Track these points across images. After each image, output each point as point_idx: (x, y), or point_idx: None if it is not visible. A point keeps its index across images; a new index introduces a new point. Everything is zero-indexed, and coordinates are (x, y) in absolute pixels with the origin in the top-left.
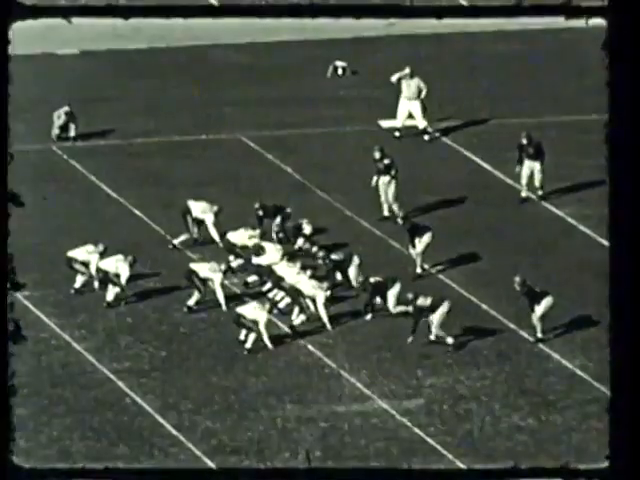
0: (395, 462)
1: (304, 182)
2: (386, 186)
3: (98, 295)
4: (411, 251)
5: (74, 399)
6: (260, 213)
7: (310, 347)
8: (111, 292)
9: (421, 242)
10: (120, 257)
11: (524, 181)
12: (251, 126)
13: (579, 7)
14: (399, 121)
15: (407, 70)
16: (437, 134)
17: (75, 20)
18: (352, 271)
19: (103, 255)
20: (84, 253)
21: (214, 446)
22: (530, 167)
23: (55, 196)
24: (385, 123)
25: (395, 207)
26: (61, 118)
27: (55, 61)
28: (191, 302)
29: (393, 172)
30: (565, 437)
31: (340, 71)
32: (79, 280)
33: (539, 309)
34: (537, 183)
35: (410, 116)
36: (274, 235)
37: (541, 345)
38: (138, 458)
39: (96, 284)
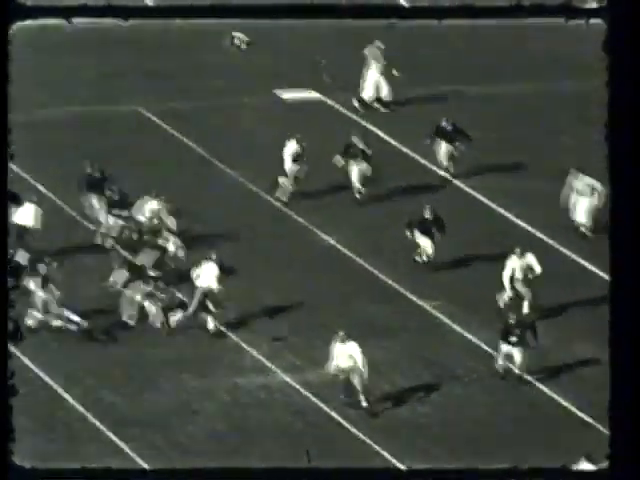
0: (298, 437)
1: (204, 154)
2: (358, 169)
3: None
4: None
5: None
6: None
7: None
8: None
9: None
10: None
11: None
12: (150, 98)
13: (579, 7)
14: (368, 92)
15: (377, 43)
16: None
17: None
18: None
19: None
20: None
21: (116, 419)
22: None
23: None
24: (284, 94)
25: (362, 189)
26: None
27: None
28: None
29: (368, 158)
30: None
31: (237, 42)
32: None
33: (518, 358)
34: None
35: (377, 89)
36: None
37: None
38: (41, 433)
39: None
